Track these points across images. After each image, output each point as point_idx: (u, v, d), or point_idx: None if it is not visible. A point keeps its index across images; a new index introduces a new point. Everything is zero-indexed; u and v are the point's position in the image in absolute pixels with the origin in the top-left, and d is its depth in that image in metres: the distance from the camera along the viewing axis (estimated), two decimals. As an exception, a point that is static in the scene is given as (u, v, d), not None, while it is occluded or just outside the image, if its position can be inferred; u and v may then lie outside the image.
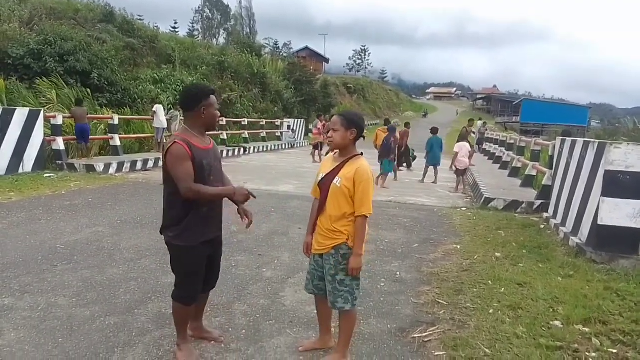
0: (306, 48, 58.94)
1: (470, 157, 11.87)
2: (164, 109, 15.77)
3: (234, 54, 30.00)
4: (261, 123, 24.12)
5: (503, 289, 4.79)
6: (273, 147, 22.30)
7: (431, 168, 13.02)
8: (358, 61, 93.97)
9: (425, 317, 4.13)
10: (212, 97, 3.02)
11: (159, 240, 5.77)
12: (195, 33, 54.70)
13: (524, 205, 9.15)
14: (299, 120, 28.47)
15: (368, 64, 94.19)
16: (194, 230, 2.97)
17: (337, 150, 3.16)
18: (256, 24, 64.88)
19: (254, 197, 3.12)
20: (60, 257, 5.11)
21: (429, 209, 9.08)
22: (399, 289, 4.79)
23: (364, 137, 3.15)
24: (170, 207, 2.97)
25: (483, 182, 11.40)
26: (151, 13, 67.45)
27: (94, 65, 17.60)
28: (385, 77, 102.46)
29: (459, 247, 6.43)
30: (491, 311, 4.23)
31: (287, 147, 23.55)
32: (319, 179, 3.14)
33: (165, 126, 14.78)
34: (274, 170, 13.78)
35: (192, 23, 60.12)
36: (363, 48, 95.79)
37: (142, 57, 24.48)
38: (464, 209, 9.21)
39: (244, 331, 3.68)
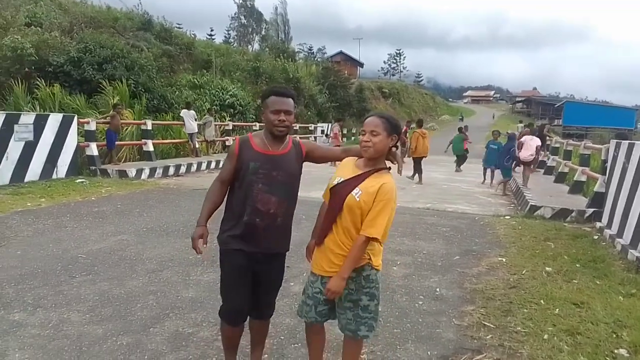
0: (340, 53, 58.65)
1: (536, 154, 11.58)
2: (197, 114, 15.73)
3: (268, 60, 30.02)
4: (294, 128, 23.91)
5: (557, 309, 4.28)
6: None
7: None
8: (393, 65, 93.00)
9: (470, 342, 3.67)
10: (272, 97, 2.71)
11: (183, 249, 5.52)
12: (231, 40, 55.32)
13: (574, 214, 8.49)
14: (334, 124, 28.14)
15: (403, 68, 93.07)
16: (229, 234, 2.71)
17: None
18: (290, 29, 65.33)
19: (197, 253, 2.70)
20: (80, 267, 4.89)
21: (470, 217, 8.54)
22: (440, 309, 4.34)
23: (397, 147, 2.69)
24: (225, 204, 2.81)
25: (527, 189, 10.74)
26: (189, 21, 68.91)
27: (131, 71, 17.77)
28: (421, 80, 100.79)
29: (504, 260, 5.91)
30: (546, 336, 3.74)
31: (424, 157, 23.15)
32: (334, 182, 2.64)
33: (196, 131, 14.72)
34: (305, 175, 13.37)
35: (228, 30, 60.89)
36: (398, 52, 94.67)
37: (179, 64, 24.74)
38: (507, 217, 8.62)
39: (266, 356, 3.33)
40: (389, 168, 2.65)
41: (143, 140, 13.24)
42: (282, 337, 3.63)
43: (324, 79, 33.82)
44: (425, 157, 13.32)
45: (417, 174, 13.07)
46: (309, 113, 29.86)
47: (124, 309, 3.96)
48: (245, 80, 26.26)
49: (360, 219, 2.52)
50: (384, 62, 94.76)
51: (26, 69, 16.02)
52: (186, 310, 3.95)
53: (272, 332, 3.69)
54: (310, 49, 61.35)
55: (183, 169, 12.51)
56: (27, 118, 9.48)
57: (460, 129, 18.33)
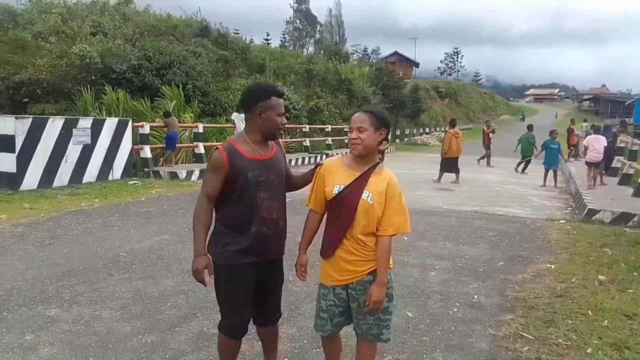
0: (395, 53, 57.93)
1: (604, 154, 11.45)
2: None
3: (321, 62, 30.14)
4: (345, 129, 23.80)
5: (606, 321, 3.96)
6: (333, 155, 21.94)
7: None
8: (450, 64, 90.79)
9: (504, 354, 3.46)
10: (274, 99, 2.57)
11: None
12: (287, 44, 56.05)
13: (636, 219, 7.89)
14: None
15: (460, 67, 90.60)
16: (232, 249, 2.53)
17: (343, 155, 2.65)
18: (345, 31, 65.37)
19: (204, 284, 2.53)
20: (120, 265, 5.05)
21: (521, 221, 8.13)
22: (475, 317, 4.13)
23: (387, 140, 2.60)
24: (215, 219, 2.58)
25: (587, 191, 10.11)
26: (247, 27, 70.31)
27: (189, 77, 18.35)
28: (480, 79, 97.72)
29: (553, 267, 5.56)
30: (589, 350, 3.47)
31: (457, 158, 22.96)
32: (334, 192, 2.49)
33: (244, 133, 14.93)
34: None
35: (283, 34, 61.81)
36: (455, 50, 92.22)
37: (234, 68, 25.29)
38: (562, 221, 8.13)
39: (286, 359, 3.28)
40: (380, 160, 2.59)
41: (195, 143, 13.62)
42: (305, 341, 3.57)
43: (377, 79, 33.51)
44: (459, 156, 13.14)
45: (441, 174, 12.91)
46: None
47: (154, 308, 4.03)
48: (298, 82, 26.47)
49: (375, 221, 2.47)
50: (441, 61, 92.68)
51: (92, 76, 16.92)
52: (213, 310, 3.97)
53: (295, 335, 3.65)
54: (364, 50, 61.15)
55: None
56: (85, 122, 9.99)
57: (530, 127, 17.12)
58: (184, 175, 11.24)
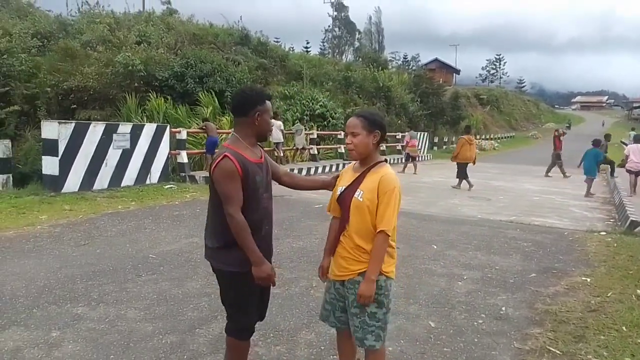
0: (435, 60, 57.20)
1: None
2: (285, 124, 16.19)
3: (359, 69, 30.13)
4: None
5: (641, 339, 3.75)
6: (392, 161, 21.65)
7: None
8: (492, 71, 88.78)
9: (527, 368, 3.33)
10: (268, 103, 2.67)
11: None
12: (326, 52, 56.37)
13: (683, 232, 7.47)
14: (423, 133, 27.42)
15: (503, 73, 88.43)
16: (241, 255, 2.55)
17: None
18: (384, 39, 65.13)
19: (273, 284, 2.65)
20: (148, 267, 5.17)
21: (558, 232, 7.83)
22: (501, 329, 4.00)
23: (386, 140, 2.67)
24: (220, 227, 2.57)
25: (630, 201, 9.65)
26: (287, 35, 71.38)
27: (230, 84, 18.73)
28: (523, 86, 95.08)
29: (588, 280, 5.33)
30: (620, 369, 3.29)
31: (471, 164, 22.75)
32: (337, 193, 2.64)
33: (281, 140, 15.12)
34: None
35: (323, 42, 62.16)
36: (497, 57, 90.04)
37: (273, 76, 25.63)
38: (602, 233, 7.79)
39: (304, 365, 3.27)
40: (385, 160, 2.64)
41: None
42: (323, 348, 3.55)
43: (416, 86, 33.14)
44: (470, 163, 13.06)
45: (460, 180, 12.87)
46: (399, 122, 29.41)
47: (177, 309, 4.10)
48: (336, 90, 26.54)
49: (369, 218, 2.49)
50: (482, 68, 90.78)
51: (136, 84, 17.50)
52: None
53: (313, 342, 3.63)
54: (404, 58, 60.67)
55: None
56: (125, 128, 10.32)
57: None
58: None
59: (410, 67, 50.96)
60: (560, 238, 7.41)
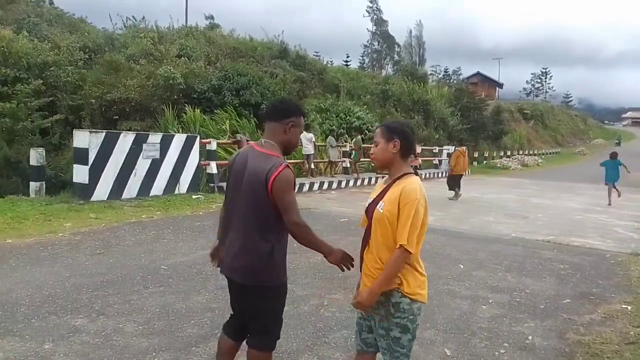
0: (477, 73, 55.98)
1: None
2: (313, 136, 16.09)
3: (397, 83, 29.84)
4: (417, 151, 23.13)
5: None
6: (428, 175, 21.11)
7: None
8: (537, 85, 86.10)
9: (549, 409, 2.96)
10: (302, 119, 2.69)
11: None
12: (365, 65, 56.21)
13: None
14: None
15: (549, 88, 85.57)
16: (284, 265, 2.64)
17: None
18: (426, 52, 64.41)
19: (352, 266, 2.62)
20: (157, 278, 5.06)
21: (599, 254, 7.28)
22: (524, 361, 3.63)
23: (414, 155, 2.49)
24: (271, 243, 2.53)
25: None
26: (328, 49, 71.64)
27: (265, 97, 18.86)
28: (570, 101, 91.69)
29: (629, 308, 4.86)
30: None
31: (444, 175, 22.17)
32: (366, 205, 2.54)
33: (312, 152, 15.00)
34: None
35: (362, 56, 62.10)
36: (543, 70, 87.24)
37: (311, 89, 25.68)
38: (649, 257, 7.18)
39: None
40: (415, 172, 2.50)
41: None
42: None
43: (457, 100, 32.50)
44: (463, 174, 14.06)
45: (456, 191, 13.30)
46: (437, 136, 28.85)
47: (177, 324, 3.95)
48: (373, 103, 26.34)
49: (389, 232, 2.35)
50: (527, 82, 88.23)
51: (175, 96, 17.85)
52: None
53: (313, 366, 3.37)
54: (445, 71, 59.81)
55: (295, 189, 12.72)
56: (155, 138, 10.41)
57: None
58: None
59: (451, 80, 50.13)
60: (601, 260, 6.87)
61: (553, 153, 44.05)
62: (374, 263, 2.40)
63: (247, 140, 13.14)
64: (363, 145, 17.36)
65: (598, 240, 8.37)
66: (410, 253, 2.29)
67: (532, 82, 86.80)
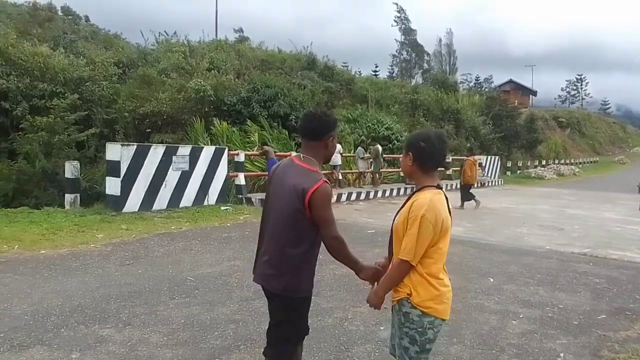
0: (510, 81, 54.96)
1: None
2: (340, 147, 16.09)
3: (426, 92, 29.61)
4: (447, 159, 22.77)
5: None
6: (458, 185, 20.68)
7: None
8: (572, 92, 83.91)
9: None
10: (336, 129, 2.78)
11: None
12: (394, 75, 55.99)
13: None
14: (493, 157, 26.20)
15: (585, 94, 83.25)
16: (310, 279, 2.69)
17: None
18: (457, 60, 63.69)
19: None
20: (184, 289, 5.11)
21: (638, 268, 6.97)
22: (555, 379, 3.49)
23: (446, 168, 2.43)
24: (304, 256, 2.61)
25: None
26: (356, 60, 71.73)
27: (293, 108, 19.01)
28: (608, 108, 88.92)
29: (669, 325, 4.61)
30: None
31: (475, 185, 21.70)
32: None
33: (339, 163, 14.98)
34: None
35: (391, 66, 61.87)
36: (578, 77, 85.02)
37: (339, 99, 25.78)
38: (693, 270, 6.84)
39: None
40: (438, 185, 2.47)
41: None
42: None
43: (488, 109, 31.98)
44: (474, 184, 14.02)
45: (465, 201, 13.26)
46: (469, 145, 28.41)
47: (201, 336, 3.96)
48: (402, 112, 26.19)
49: (400, 242, 2.42)
50: (562, 89, 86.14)
51: (206, 108, 18.17)
52: (258, 344, 3.78)
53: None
54: (476, 79, 59.02)
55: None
56: (184, 150, 10.60)
57: None
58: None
59: (482, 88, 49.37)
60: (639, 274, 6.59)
61: (591, 162, 42.80)
62: None
63: (275, 152, 13.34)
64: (387, 155, 17.23)
65: (637, 252, 8.03)
66: (410, 265, 2.33)
67: (568, 89, 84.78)
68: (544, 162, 33.45)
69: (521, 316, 4.82)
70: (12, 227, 7.46)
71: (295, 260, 2.56)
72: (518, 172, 29.40)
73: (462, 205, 13.14)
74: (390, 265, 2.45)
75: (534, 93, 59.05)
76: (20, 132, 12.99)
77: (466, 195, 13.33)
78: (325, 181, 2.56)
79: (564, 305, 5.20)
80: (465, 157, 14.26)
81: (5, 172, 12.51)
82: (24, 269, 5.54)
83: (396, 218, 2.47)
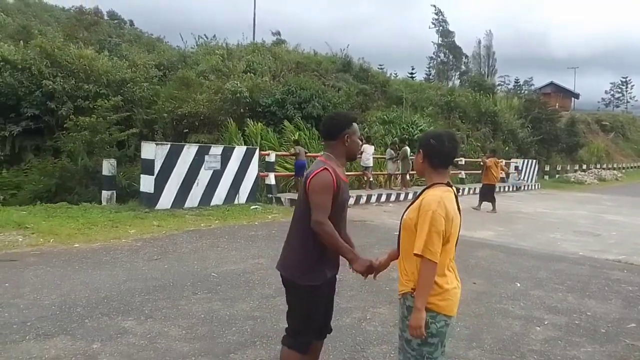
0: (551, 84, 53.30)
1: None
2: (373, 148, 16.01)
3: (463, 94, 29.14)
4: (480, 162, 22.22)
5: None
6: (509, 189, 20.29)
7: None
8: (617, 95, 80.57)
9: None
10: (355, 125, 2.85)
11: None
12: (431, 77, 55.25)
13: None
14: (531, 160, 25.48)
15: (631, 97, 79.72)
16: (321, 268, 2.74)
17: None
18: (496, 62, 62.33)
19: (376, 273, 2.76)
20: (207, 285, 5.21)
21: (677, 277, 6.67)
22: (575, 388, 3.39)
23: (455, 163, 2.44)
24: (303, 240, 2.72)
25: None
26: (393, 62, 71.32)
27: (326, 110, 19.09)
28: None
29: None
30: None
31: (510, 189, 21.18)
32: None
33: (370, 165, 14.92)
34: (479, 213, 12.35)
35: (428, 68, 61.08)
36: (624, 80, 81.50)
37: (374, 101, 25.68)
38: None
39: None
40: (448, 183, 2.52)
41: (319, 172, 13.89)
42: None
43: (527, 111, 31.17)
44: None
45: (481, 203, 13.03)
46: (507, 148, 27.76)
47: (219, 331, 4.04)
48: (437, 114, 25.86)
49: (412, 238, 2.41)
50: (606, 92, 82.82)
51: (241, 110, 18.48)
52: (274, 340, 3.83)
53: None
54: (516, 81, 57.58)
55: (351, 201, 12.66)
56: (216, 150, 10.80)
57: None
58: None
59: (522, 91, 48.13)
60: (679, 284, 6.29)
61: (635, 167, 41.06)
62: (400, 266, 2.52)
63: (306, 152, 13.46)
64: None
65: (678, 261, 7.67)
66: (433, 262, 2.31)
67: (612, 92, 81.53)
68: (584, 167, 32.32)
69: (546, 322, 4.69)
70: (50, 221, 7.78)
71: (303, 245, 2.70)
72: (557, 176, 28.53)
73: (479, 205, 12.93)
74: (419, 271, 2.36)
75: (576, 96, 57.16)
76: (64, 131, 13.57)
77: (485, 197, 13.04)
78: (326, 169, 2.65)
79: (593, 312, 5.04)
80: (485, 159, 13.87)
81: (49, 169, 13.09)
82: (56, 261, 5.78)
83: (405, 213, 2.50)
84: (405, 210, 2.54)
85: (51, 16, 31.74)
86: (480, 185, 14.03)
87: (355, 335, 4.13)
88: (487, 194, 13.07)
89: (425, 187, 2.54)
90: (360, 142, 2.97)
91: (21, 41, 17.83)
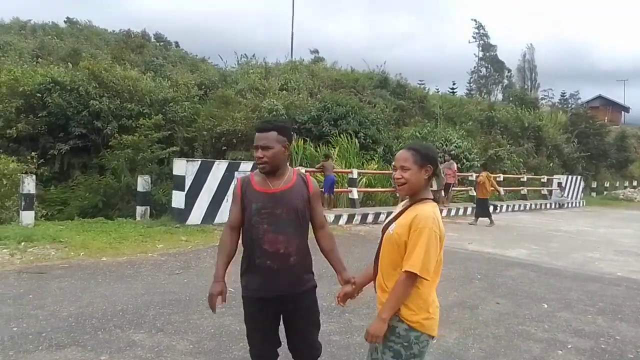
0: (599, 97, 51.25)
1: None
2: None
3: (504, 109, 28.54)
4: (522, 179, 21.52)
5: None
6: (533, 206, 19.48)
7: None
8: (672, 108, 76.73)
9: None
10: (256, 134, 2.76)
11: (324, 295, 5.44)
12: (472, 92, 54.32)
13: None
14: (575, 176, 24.49)
15: (684, 110, 75.83)
16: (249, 280, 2.76)
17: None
18: (538, 75, 60.62)
19: (213, 310, 2.82)
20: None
21: None
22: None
23: (437, 175, 2.46)
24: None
25: None
26: (433, 77, 70.71)
27: (362, 125, 19.19)
28: None
29: None
30: None
31: (553, 206, 20.35)
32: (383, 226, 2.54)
33: (451, 182, 15.03)
34: (515, 231, 11.94)
35: (469, 82, 60.11)
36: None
37: (411, 117, 25.56)
38: None
39: None
40: (433, 199, 2.42)
41: (349, 188, 13.87)
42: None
43: (573, 126, 30.15)
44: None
45: (479, 217, 13.14)
46: (551, 164, 26.87)
47: (226, 346, 4.06)
48: (476, 129, 25.39)
49: (398, 254, 2.32)
50: (660, 104, 79.14)
51: (277, 127, 18.77)
52: (280, 358, 3.81)
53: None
54: (562, 95, 55.78)
55: (382, 217, 12.51)
56: (246, 166, 10.92)
57: None
58: (332, 219, 11.43)
59: (568, 105, 46.61)
60: None
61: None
62: (381, 283, 2.42)
63: (334, 167, 13.45)
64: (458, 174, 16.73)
65: None
66: (419, 277, 2.24)
67: (668, 105, 77.59)
68: (635, 183, 30.79)
69: (569, 346, 4.46)
70: (83, 235, 8.07)
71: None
72: (605, 193, 27.31)
73: (476, 221, 13.06)
74: (396, 283, 2.30)
75: (627, 109, 54.71)
76: (109, 149, 14.15)
77: (482, 212, 13.18)
78: (238, 177, 2.89)
79: (622, 336, 4.75)
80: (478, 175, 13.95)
81: (95, 185, 13.61)
82: (82, 274, 5.98)
83: (391, 228, 2.39)
84: (388, 224, 2.46)
85: (101, 39, 33.34)
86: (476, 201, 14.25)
87: (362, 354, 4.05)
88: (483, 208, 13.27)
89: (410, 202, 2.45)
90: (259, 153, 2.69)
91: (70, 63, 18.79)
